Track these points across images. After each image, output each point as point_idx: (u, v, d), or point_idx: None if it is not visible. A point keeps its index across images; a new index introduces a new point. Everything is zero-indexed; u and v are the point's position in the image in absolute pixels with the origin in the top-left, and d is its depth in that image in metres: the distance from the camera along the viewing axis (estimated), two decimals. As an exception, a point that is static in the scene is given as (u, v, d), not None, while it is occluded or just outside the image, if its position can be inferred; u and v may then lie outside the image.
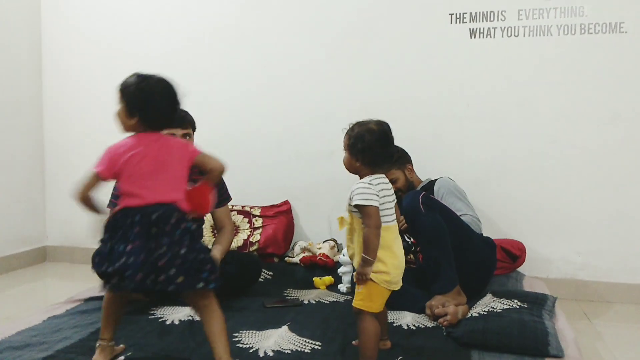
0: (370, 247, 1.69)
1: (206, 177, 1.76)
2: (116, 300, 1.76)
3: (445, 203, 2.56)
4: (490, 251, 2.57)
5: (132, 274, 1.55)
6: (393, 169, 2.80)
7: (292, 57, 3.43)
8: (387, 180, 1.80)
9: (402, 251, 1.80)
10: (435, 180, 2.81)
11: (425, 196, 2.38)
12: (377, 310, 1.74)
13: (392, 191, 1.81)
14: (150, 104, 1.69)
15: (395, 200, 1.83)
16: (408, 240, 2.79)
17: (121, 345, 1.89)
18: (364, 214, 1.71)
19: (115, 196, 2.42)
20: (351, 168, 1.82)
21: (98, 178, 1.68)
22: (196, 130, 2.58)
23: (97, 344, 1.78)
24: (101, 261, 1.62)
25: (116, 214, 1.64)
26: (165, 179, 1.66)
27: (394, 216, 1.79)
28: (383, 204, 1.74)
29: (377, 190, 1.73)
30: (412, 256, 2.84)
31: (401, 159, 2.86)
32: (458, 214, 2.52)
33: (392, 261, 1.73)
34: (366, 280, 1.70)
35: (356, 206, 1.72)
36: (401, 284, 1.80)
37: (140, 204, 1.62)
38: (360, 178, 1.80)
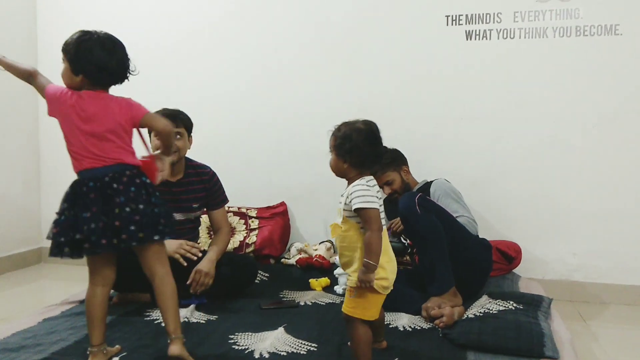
0: (373, 252, 1.62)
1: (155, 152, 1.81)
2: (96, 299, 1.75)
3: (441, 205, 2.56)
4: (486, 252, 2.57)
5: (96, 240, 1.62)
6: (389, 171, 2.80)
7: (289, 58, 3.43)
8: (374, 182, 1.74)
9: (393, 254, 1.77)
10: (432, 181, 2.81)
11: (422, 197, 2.38)
12: (373, 317, 1.70)
13: (381, 194, 1.77)
14: (92, 60, 1.69)
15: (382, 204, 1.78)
16: (404, 241, 2.79)
17: (116, 346, 1.89)
18: (365, 217, 1.63)
19: None
20: (338, 170, 1.75)
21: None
22: (193, 130, 2.58)
23: (87, 351, 1.77)
24: (64, 230, 1.64)
25: (72, 184, 1.70)
26: (110, 140, 1.68)
27: (385, 219, 1.76)
28: (380, 205, 1.68)
29: (375, 191, 1.68)
30: (408, 257, 2.85)
31: (397, 160, 2.86)
32: (454, 215, 2.53)
33: (389, 266, 1.70)
34: (370, 287, 1.64)
35: (356, 210, 1.64)
36: (393, 288, 1.78)
37: (89, 167, 1.67)
38: (348, 181, 1.73)
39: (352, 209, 1.65)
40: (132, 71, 1.77)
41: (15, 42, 3.69)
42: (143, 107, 1.75)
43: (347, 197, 1.68)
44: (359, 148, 1.69)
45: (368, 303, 1.68)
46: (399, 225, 2.61)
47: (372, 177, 1.74)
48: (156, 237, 1.69)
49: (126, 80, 1.76)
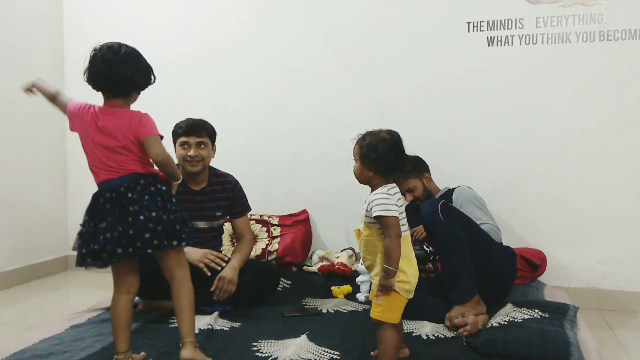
0: (392, 258, 1.67)
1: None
2: (120, 306, 1.79)
3: (464, 212, 2.54)
4: (510, 260, 2.54)
5: (112, 249, 1.66)
6: (410, 178, 2.80)
7: (308, 65, 3.45)
8: (397, 189, 1.79)
9: (415, 259, 1.80)
10: (454, 188, 2.80)
11: (444, 204, 2.37)
12: (397, 320, 1.74)
13: (403, 201, 1.80)
14: (92, 72, 1.80)
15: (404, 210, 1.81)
16: (427, 249, 2.78)
17: (142, 353, 1.91)
18: (385, 224, 1.69)
19: None
20: (362, 178, 1.80)
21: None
22: (216, 138, 2.61)
23: (113, 359, 1.80)
24: (85, 241, 1.70)
25: (92, 197, 1.77)
26: (123, 154, 1.73)
27: (406, 226, 1.78)
28: (400, 212, 1.73)
29: (395, 199, 1.72)
30: (430, 265, 2.83)
31: (419, 167, 2.85)
32: (477, 222, 2.51)
33: (411, 270, 1.74)
34: (390, 291, 1.69)
35: (376, 217, 1.70)
36: (416, 296, 1.79)
37: (105, 179, 1.74)
38: (372, 188, 1.78)
39: (372, 216, 1.71)
40: (142, 79, 1.80)
41: (43, 59, 3.77)
42: (152, 127, 1.76)
43: (368, 205, 1.73)
44: (384, 157, 1.74)
45: (394, 306, 1.72)
46: (421, 233, 2.60)
47: (394, 184, 1.79)
48: (174, 243, 1.72)
49: (140, 88, 1.82)
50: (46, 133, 3.80)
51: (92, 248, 1.68)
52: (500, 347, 1.94)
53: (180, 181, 1.84)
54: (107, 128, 1.73)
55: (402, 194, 2.66)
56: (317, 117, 3.46)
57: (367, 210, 1.74)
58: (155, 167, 1.79)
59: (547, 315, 2.17)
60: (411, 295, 1.75)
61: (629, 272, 3.00)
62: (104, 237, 1.66)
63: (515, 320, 2.13)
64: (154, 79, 1.85)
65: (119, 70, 1.75)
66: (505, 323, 2.12)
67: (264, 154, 3.56)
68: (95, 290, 3.34)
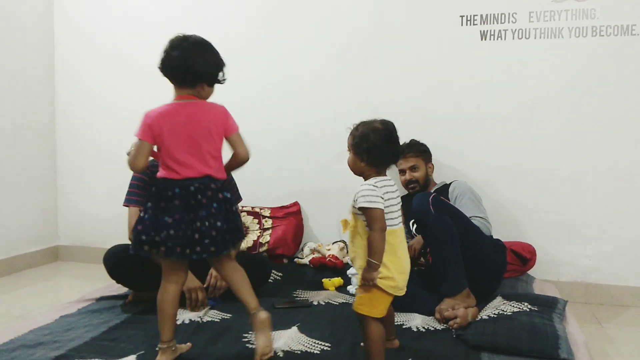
0: (375, 251, 1.65)
1: (228, 162, 1.84)
2: (168, 296, 1.79)
3: (458, 204, 2.58)
4: (500, 254, 2.56)
5: (172, 246, 1.67)
6: (419, 158, 2.89)
7: (302, 59, 3.44)
8: (392, 182, 1.77)
9: (407, 255, 1.78)
10: (450, 183, 2.83)
11: (436, 198, 2.38)
12: (380, 315, 1.71)
13: (398, 194, 1.77)
14: (166, 58, 1.76)
15: (401, 203, 1.79)
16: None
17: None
18: (369, 216, 1.67)
19: (132, 193, 2.44)
20: (356, 169, 1.78)
21: (142, 142, 1.72)
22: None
23: (157, 348, 1.80)
24: (147, 229, 1.68)
25: (158, 184, 1.73)
26: (200, 153, 1.72)
27: (400, 219, 1.76)
28: (388, 207, 1.70)
29: (382, 192, 1.69)
30: (422, 259, 2.84)
31: (428, 153, 2.96)
32: (468, 215, 2.52)
33: (396, 266, 1.70)
34: (372, 285, 1.67)
35: (360, 209, 1.68)
36: (406, 289, 1.78)
37: (177, 178, 1.70)
38: (364, 179, 1.76)
39: (357, 207, 1.69)
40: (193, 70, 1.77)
41: (33, 52, 3.73)
42: (232, 122, 1.83)
43: (355, 195, 1.71)
44: (376, 147, 1.72)
45: (375, 301, 1.70)
46: (412, 250, 2.61)
47: (388, 177, 1.77)
48: (227, 251, 1.76)
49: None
50: (35, 121, 3.76)
51: (152, 237, 1.68)
52: (490, 340, 1.95)
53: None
54: (192, 123, 1.72)
55: (403, 170, 2.83)
56: (309, 109, 3.45)
57: (354, 200, 1.72)
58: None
59: (536, 309, 2.19)
60: (400, 293, 1.73)
61: (617, 267, 3.02)
62: (167, 233, 1.66)
63: (505, 313, 2.15)
64: (222, 73, 1.85)
65: (188, 60, 1.74)
66: (495, 316, 2.14)
67: (255, 146, 3.48)
68: (85, 281, 3.33)
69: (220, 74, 1.84)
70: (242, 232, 1.84)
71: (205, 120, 1.73)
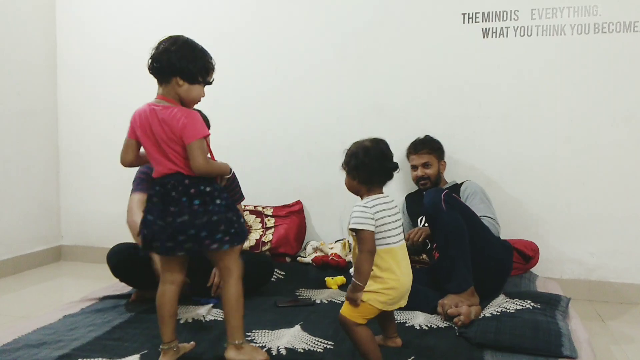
0: (361, 273, 1.67)
1: None
2: (165, 296, 1.79)
3: (469, 203, 2.59)
4: (507, 255, 2.54)
5: (159, 242, 1.70)
6: (433, 154, 2.90)
7: (303, 57, 3.43)
8: (388, 199, 1.77)
9: (409, 271, 1.78)
10: (461, 183, 2.86)
11: (448, 194, 2.37)
12: (362, 322, 1.73)
13: (396, 210, 1.77)
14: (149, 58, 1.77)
15: (401, 219, 1.80)
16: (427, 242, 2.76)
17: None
18: (358, 238, 1.69)
19: (137, 182, 2.47)
20: (351, 188, 1.81)
21: (127, 139, 1.78)
22: (210, 128, 2.60)
23: (159, 349, 1.80)
24: (141, 228, 1.76)
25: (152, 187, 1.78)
26: (167, 152, 1.71)
27: (400, 236, 1.76)
28: (382, 225, 1.70)
29: (373, 212, 1.69)
30: (425, 256, 2.84)
31: (442, 150, 2.97)
32: (479, 214, 2.52)
33: (394, 283, 1.71)
34: (356, 305, 1.69)
35: (350, 229, 1.71)
36: (405, 303, 1.79)
37: (156, 177, 1.74)
38: (361, 198, 1.78)
39: (349, 228, 1.72)
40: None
41: (36, 53, 3.74)
42: (191, 130, 1.72)
43: (350, 216, 1.73)
44: (365, 165, 1.74)
45: (360, 312, 1.71)
46: (419, 234, 2.60)
47: (384, 194, 1.78)
48: (214, 247, 1.71)
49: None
50: (38, 121, 3.77)
51: (144, 234, 1.74)
52: (493, 338, 1.95)
53: (230, 175, 1.84)
54: (160, 129, 1.71)
55: (416, 166, 2.83)
56: (311, 108, 3.44)
57: (349, 222, 1.73)
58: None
59: (539, 306, 2.19)
60: (389, 308, 1.74)
61: (620, 264, 3.02)
62: (152, 230, 1.72)
63: (508, 310, 2.15)
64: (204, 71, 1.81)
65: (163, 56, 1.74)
66: (498, 314, 2.14)
67: (258, 145, 3.55)
68: (88, 280, 3.34)
69: (200, 71, 1.78)
70: (217, 224, 1.71)
71: (167, 128, 1.69)
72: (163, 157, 1.71)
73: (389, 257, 1.71)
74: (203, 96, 1.81)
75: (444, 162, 2.99)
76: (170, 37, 1.77)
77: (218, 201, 1.74)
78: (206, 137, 1.73)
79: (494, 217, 2.65)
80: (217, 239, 1.70)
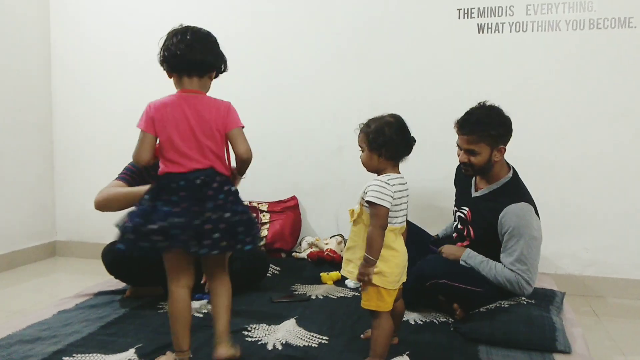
0: (373, 247, 1.67)
1: (235, 164, 1.79)
2: (181, 300, 1.69)
3: (505, 242, 2.21)
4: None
5: (178, 234, 1.57)
6: (482, 142, 2.27)
7: (300, 55, 3.42)
8: (404, 180, 1.77)
9: (405, 248, 1.79)
10: (515, 197, 2.29)
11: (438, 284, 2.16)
12: (388, 308, 1.73)
13: (408, 192, 1.78)
14: (167, 48, 1.71)
15: (408, 201, 1.79)
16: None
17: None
18: (373, 212, 1.69)
19: (123, 172, 2.37)
20: (371, 165, 1.78)
21: (145, 134, 1.67)
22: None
23: (176, 357, 1.72)
24: (140, 218, 1.59)
25: (160, 179, 1.67)
26: (202, 146, 1.67)
27: (404, 218, 1.78)
28: (395, 205, 1.71)
29: (393, 191, 1.70)
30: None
31: (501, 136, 2.31)
32: (507, 262, 2.19)
33: (395, 260, 1.73)
34: (369, 280, 1.68)
35: (368, 202, 1.70)
36: (404, 280, 1.80)
37: (182, 171, 1.64)
38: (379, 174, 1.77)
39: (365, 199, 1.70)
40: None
41: (30, 48, 3.70)
42: (235, 118, 1.75)
43: (366, 187, 1.72)
44: (392, 140, 1.74)
45: (380, 295, 1.71)
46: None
47: (399, 174, 1.78)
48: (238, 247, 1.66)
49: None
50: (33, 116, 3.75)
51: (142, 225, 1.57)
52: (487, 332, 1.96)
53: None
54: (193, 117, 1.67)
55: (460, 148, 2.36)
56: (307, 104, 3.44)
57: (363, 192, 1.73)
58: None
59: (533, 302, 2.19)
60: (395, 286, 1.74)
61: (614, 260, 3.03)
62: (171, 221, 1.56)
63: (502, 305, 2.15)
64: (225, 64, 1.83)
65: (192, 48, 1.71)
66: (492, 309, 2.14)
67: (253, 140, 3.47)
68: (82, 276, 3.33)
69: (224, 65, 1.83)
70: (254, 223, 1.72)
71: (208, 116, 1.67)
72: (197, 152, 1.66)
73: (392, 234, 1.72)
74: None
75: (504, 148, 2.32)
76: (199, 30, 1.75)
77: (242, 201, 1.73)
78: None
79: (524, 273, 2.15)
80: (241, 240, 1.65)
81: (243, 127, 1.74)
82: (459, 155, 2.38)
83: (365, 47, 3.31)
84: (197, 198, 1.61)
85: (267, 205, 3.41)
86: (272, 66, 3.47)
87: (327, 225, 3.44)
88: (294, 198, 3.46)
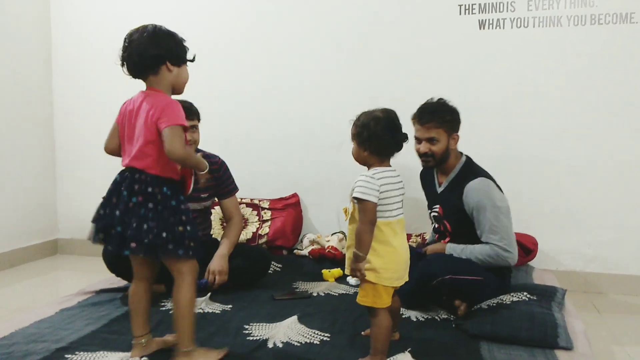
0: (362, 243, 1.67)
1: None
2: (135, 292, 1.78)
3: (476, 219, 2.29)
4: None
5: (102, 230, 1.69)
6: (441, 128, 2.34)
7: (300, 50, 3.42)
8: (395, 173, 1.77)
9: (406, 245, 1.78)
10: (470, 177, 2.36)
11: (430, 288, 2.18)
12: (385, 305, 1.72)
13: (401, 185, 1.77)
14: (127, 52, 1.73)
15: (404, 194, 1.79)
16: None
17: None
18: (360, 208, 1.69)
19: None
20: (359, 158, 1.79)
21: (116, 124, 1.79)
22: (201, 121, 2.59)
23: (132, 341, 1.80)
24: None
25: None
26: (132, 145, 1.69)
27: (400, 211, 1.77)
28: (385, 198, 1.70)
29: (379, 185, 1.69)
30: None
31: (454, 123, 2.40)
32: (482, 237, 2.27)
33: (391, 257, 1.72)
34: (361, 276, 1.68)
35: (355, 198, 1.70)
36: (407, 279, 1.79)
37: (123, 166, 1.72)
38: (368, 169, 1.77)
39: (352, 196, 1.71)
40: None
41: (31, 46, 3.71)
42: (165, 118, 1.65)
43: (354, 184, 1.71)
44: (377, 136, 1.73)
45: (377, 292, 1.71)
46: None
47: (391, 168, 1.77)
48: (153, 254, 1.66)
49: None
50: (34, 114, 3.75)
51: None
52: (489, 329, 1.96)
53: (205, 171, 1.77)
54: (137, 116, 1.68)
55: (419, 140, 2.39)
56: (307, 100, 3.43)
57: (352, 189, 1.72)
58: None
59: (535, 298, 2.19)
60: (396, 283, 1.74)
61: (616, 256, 3.03)
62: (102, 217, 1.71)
63: (504, 302, 2.15)
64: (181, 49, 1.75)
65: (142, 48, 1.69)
66: (494, 305, 2.14)
67: (254, 137, 3.54)
68: (84, 274, 3.33)
69: (184, 50, 1.75)
70: (170, 236, 1.63)
71: (144, 114, 1.65)
72: (130, 149, 1.70)
73: (388, 229, 1.71)
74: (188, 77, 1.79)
75: (457, 135, 2.41)
76: (137, 29, 1.72)
77: (173, 203, 1.68)
78: (185, 127, 1.65)
79: (499, 242, 2.22)
80: (159, 244, 1.63)
81: (182, 124, 1.63)
82: (418, 151, 2.42)
83: (366, 42, 3.30)
84: (119, 194, 1.68)
85: (268, 203, 3.41)
86: (273, 63, 3.46)
87: (328, 222, 3.44)
88: (295, 195, 3.46)
